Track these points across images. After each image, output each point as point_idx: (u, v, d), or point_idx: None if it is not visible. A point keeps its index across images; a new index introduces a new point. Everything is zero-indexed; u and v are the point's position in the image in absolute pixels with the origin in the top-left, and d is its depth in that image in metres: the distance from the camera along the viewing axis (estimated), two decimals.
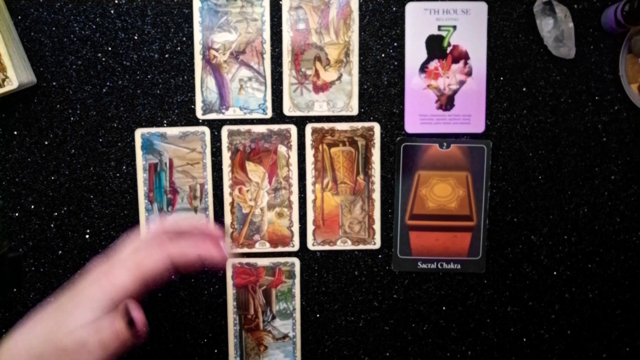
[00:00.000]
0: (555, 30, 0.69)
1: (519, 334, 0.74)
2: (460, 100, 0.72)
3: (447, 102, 0.72)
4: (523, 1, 0.71)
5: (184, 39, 0.71)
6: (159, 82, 0.71)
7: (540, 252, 0.73)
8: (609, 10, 0.69)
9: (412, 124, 0.72)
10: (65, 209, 0.72)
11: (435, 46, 0.72)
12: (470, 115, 0.72)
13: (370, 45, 0.72)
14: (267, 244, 0.72)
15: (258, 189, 0.72)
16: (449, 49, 0.72)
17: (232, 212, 0.72)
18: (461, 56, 0.72)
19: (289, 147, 0.72)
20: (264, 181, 0.72)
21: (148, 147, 0.71)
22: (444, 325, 0.74)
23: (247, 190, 0.72)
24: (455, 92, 0.72)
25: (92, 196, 0.72)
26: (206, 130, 0.71)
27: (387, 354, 0.74)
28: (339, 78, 0.71)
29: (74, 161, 0.71)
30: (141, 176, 0.71)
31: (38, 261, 0.72)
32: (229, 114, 0.71)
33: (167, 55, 0.71)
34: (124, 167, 0.72)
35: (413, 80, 0.72)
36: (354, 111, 0.72)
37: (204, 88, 0.71)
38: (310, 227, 0.72)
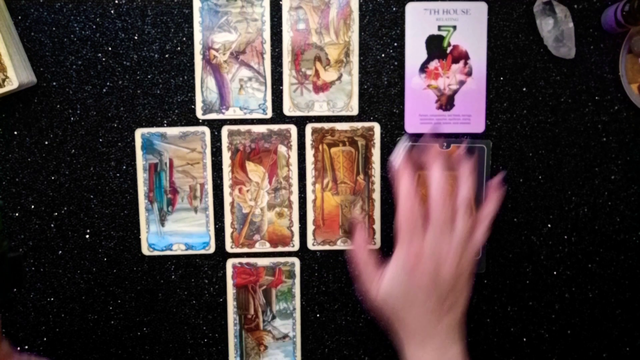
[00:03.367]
0: (555, 30, 0.69)
1: (519, 334, 0.74)
2: (460, 100, 0.72)
3: (447, 102, 0.72)
4: (523, 1, 0.71)
5: (184, 39, 0.71)
6: (159, 82, 0.71)
7: (540, 252, 0.73)
8: (609, 10, 0.69)
9: (412, 124, 0.72)
10: (65, 209, 0.72)
11: (435, 46, 0.72)
12: (470, 115, 0.72)
13: (370, 45, 0.72)
14: (267, 244, 0.72)
15: (258, 189, 0.72)
16: (449, 49, 0.72)
17: (232, 212, 0.72)
18: (461, 56, 0.72)
19: (289, 147, 0.72)
20: (264, 181, 0.72)
21: (148, 147, 0.71)
22: None
23: (247, 190, 0.72)
24: (455, 92, 0.72)
25: (92, 196, 0.72)
26: (206, 130, 0.71)
27: (387, 354, 0.74)
28: (339, 78, 0.71)
29: (74, 161, 0.71)
30: (141, 176, 0.71)
31: (38, 261, 0.72)
32: (229, 114, 0.71)
33: (167, 55, 0.71)
34: (124, 167, 0.72)
35: (413, 80, 0.72)
36: (354, 111, 0.72)
37: (204, 88, 0.71)
38: (310, 227, 0.72)
